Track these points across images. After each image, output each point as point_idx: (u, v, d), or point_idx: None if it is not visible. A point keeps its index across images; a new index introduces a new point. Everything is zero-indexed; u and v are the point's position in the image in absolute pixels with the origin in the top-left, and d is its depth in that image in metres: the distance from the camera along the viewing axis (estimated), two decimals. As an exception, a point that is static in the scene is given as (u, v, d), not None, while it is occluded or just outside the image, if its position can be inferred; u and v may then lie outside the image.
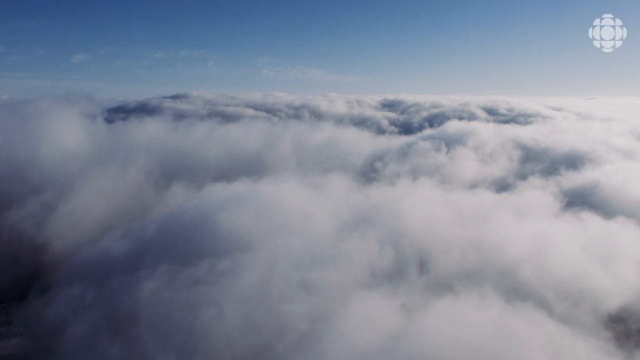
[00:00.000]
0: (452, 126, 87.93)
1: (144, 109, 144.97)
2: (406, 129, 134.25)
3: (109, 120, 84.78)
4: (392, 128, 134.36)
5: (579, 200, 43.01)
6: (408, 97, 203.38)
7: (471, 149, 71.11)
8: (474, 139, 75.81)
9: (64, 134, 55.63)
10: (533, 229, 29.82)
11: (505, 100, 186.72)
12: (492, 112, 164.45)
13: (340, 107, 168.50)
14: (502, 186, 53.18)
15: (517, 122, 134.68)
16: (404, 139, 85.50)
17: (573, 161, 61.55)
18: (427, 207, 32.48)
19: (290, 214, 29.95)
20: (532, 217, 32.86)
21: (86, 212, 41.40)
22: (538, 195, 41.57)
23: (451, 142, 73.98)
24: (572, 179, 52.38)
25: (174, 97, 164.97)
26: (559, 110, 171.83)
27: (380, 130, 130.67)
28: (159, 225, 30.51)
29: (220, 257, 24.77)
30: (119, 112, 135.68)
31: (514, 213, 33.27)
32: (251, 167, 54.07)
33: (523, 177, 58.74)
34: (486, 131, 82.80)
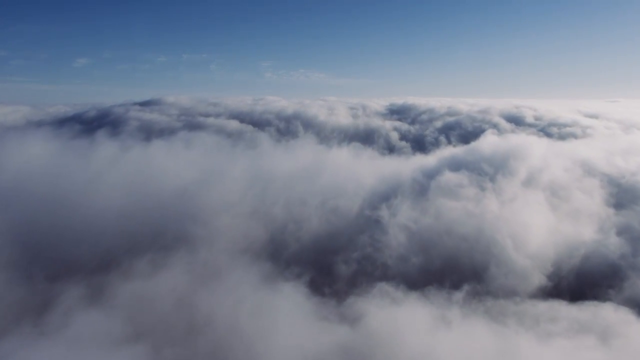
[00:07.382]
0: (488, 142, 62.52)
1: (104, 120, 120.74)
2: (419, 143, 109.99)
3: None
4: (403, 143, 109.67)
5: None
6: (418, 100, 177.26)
7: (527, 182, 46.56)
8: (525, 164, 51.11)
9: None
10: None
11: (531, 106, 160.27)
12: (517, 121, 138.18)
13: (341, 116, 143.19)
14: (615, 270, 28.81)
15: (549, 134, 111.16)
16: (420, 162, 60.81)
17: None
18: None
19: None
20: None
21: None
22: None
23: (492, 171, 49.35)
24: None
25: (144, 104, 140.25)
26: (596, 117, 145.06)
27: (389, 145, 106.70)
28: None
29: None
30: (71, 122, 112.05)
31: None
32: (160, 238, 30.27)
33: (631, 233, 34.24)
34: (538, 149, 57.92)
